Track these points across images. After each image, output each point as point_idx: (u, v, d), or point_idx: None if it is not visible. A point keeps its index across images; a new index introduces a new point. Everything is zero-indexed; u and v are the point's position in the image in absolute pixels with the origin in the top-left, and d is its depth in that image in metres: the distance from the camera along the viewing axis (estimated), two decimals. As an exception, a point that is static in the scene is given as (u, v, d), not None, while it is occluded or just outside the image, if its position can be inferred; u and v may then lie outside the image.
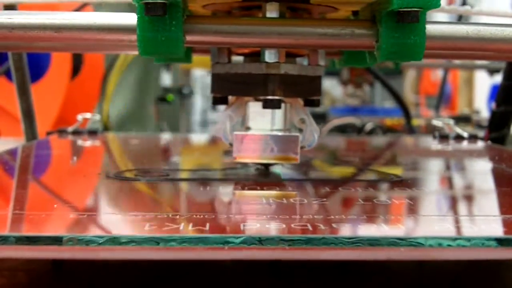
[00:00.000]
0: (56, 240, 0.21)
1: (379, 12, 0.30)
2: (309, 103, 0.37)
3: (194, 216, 0.25)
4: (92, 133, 0.59)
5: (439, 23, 0.32)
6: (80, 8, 0.78)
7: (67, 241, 0.21)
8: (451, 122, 0.60)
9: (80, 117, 0.60)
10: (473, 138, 0.58)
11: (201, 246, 0.21)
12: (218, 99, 0.36)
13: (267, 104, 0.34)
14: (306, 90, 0.35)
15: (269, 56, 0.33)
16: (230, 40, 0.31)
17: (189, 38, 0.31)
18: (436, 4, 0.29)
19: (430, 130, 1.27)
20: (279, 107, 0.34)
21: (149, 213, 0.26)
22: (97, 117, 0.61)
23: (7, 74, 0.78)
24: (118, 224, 0.25)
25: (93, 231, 0.24)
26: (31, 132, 0.58)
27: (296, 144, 0.34)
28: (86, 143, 0.56)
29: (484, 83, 1.57)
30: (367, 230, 0.25)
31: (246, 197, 0.32)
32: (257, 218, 0.26)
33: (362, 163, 0.49)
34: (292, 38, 0.31)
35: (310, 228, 0.23)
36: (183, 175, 0.39)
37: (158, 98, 1.54)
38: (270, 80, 0.34)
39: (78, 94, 1.05)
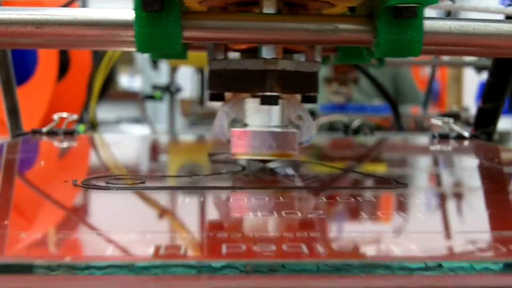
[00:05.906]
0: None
1: (376, 8, 0.30)
2: (306, 99, 0.37)
3: (168, 235, 0.21)
4: (68, 133, 0.56)
5: (436, 19, 0.32)
6: (68, 4, 0.78)
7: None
8: (451, 120, 0.58)
9: (56, 116, 0.55)
10: (475, 137, 0.56)
11: (173, 274, 0.18)
12: (215, 96, 0.36)
13: (265, 101, 0.34)
14: (303, 86, 0.35)
15: (267, 52, 0.33)
16: (228, 36, 0.31)
17: (186, 34, 0.30)
18: (433, 0, 0.29)
19: (419, 127, 1.28)
20: (276, 104, 0.34)
21: (112, 232, 0.22)
22: (74, 116, 0.56)
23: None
24: (72, 246, 0.21)
25: (45, 255, 0.19)
26: (16, 130, 0.57)
27: (294, 140, 0.34)
28: (60, 144, 0.53)
29: (472, 81, 1.58)
30: (370, 252, 0.20)
31: (228, 211, 0.27)
32: (243, 237, 0.21)
33: (360, 167, 0.45)
34: (289, 33, 0.31)
35: (305, 250, 0.19)
36: (160, 182, 0.35)
37: (145, 96, 1.53)
38: (268, 76, 0.33)
39: (65, 95, 1.04)
